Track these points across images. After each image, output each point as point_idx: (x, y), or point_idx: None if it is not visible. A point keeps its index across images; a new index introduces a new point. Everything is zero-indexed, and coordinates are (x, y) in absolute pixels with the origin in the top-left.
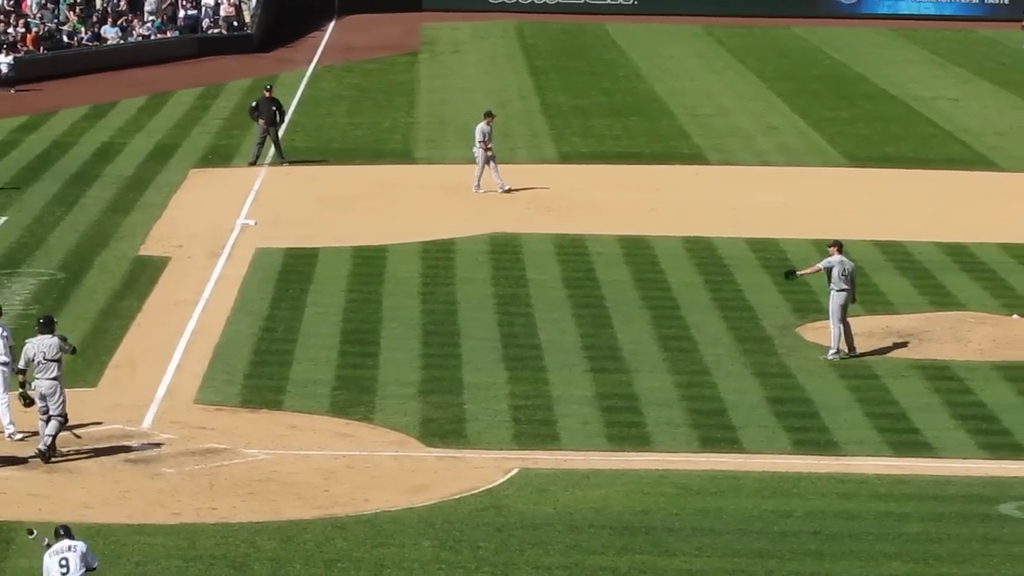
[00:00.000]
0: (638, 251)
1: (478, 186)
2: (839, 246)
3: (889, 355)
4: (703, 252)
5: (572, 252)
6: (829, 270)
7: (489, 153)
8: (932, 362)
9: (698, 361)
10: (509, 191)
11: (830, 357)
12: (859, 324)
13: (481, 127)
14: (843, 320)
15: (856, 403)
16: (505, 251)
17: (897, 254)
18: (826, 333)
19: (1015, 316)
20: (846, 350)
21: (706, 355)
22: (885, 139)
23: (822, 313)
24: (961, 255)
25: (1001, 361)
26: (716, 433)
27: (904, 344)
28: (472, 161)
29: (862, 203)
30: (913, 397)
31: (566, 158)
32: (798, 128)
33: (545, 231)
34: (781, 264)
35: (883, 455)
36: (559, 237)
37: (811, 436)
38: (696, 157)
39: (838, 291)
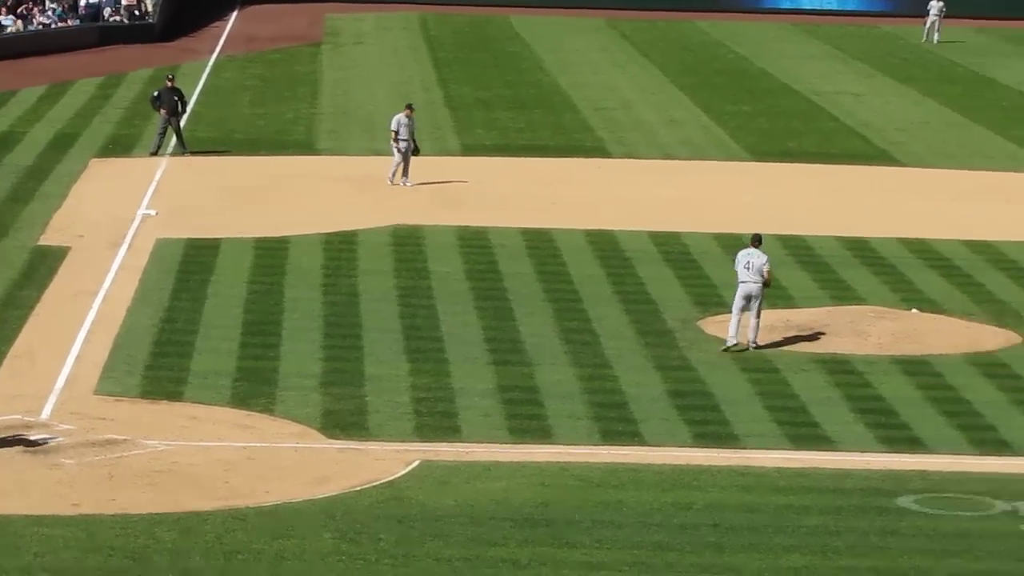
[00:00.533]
0: (540, 244)
1: (394, 178)
2: (756, 240)
3: (790, 349)
4: (605, 245)
5: (475, 245)
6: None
7: (401, 146)
8: (832, 356)
9: (600, 354)
10: (412, 186)
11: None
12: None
13: (398, 118)
14: (743, 311)
15: (756, 396)
16: (408, 243)
17: (798, 248)
18: (725, 327)
19: (914, 310)
20: (743, 343)
21: (608, 348)
22: (787, 133)
23: (723, 307)
24: (861, 250)
25: (900, 355)
26: (617, 426)
27: (805, 338)
28: (386, 153)
29: (763, 197)
30: (813, 391)
31: (469, 151)
32: (700, 122)
33: (448, 223)
34: (682, 258)
35: (783, 448)
36: (462, 229)
37: (712, 429)
38: (599, 150)
39: (740, 283)
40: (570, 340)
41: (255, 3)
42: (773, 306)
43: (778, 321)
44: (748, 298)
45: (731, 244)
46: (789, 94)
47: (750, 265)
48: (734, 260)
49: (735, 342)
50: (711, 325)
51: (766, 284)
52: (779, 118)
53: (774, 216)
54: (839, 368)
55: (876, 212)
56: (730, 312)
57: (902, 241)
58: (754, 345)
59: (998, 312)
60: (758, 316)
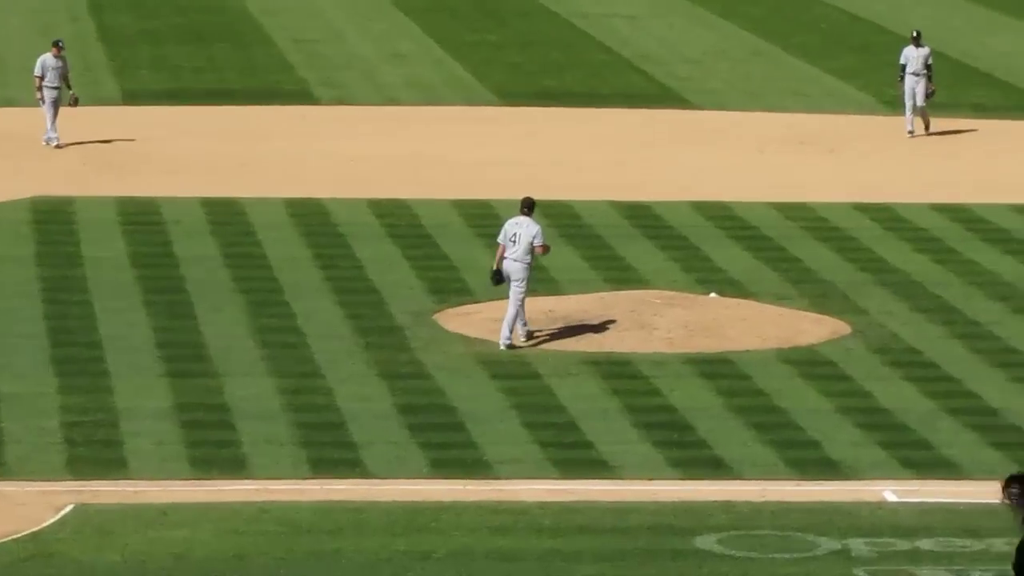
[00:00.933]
0: (228, 218)
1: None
2: (526, 206)
3: (554, 347)
4: (313, 218)
5: (142, 221)
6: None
7: (49, 95)
8: (609, 355)
9: (308, 360)
10: (60, 147)
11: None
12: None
13: (43, 60)
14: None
15: (512, 410)
16: (53, 221)
17: (563, 217)
18: (470, 321)
19: (712, 295)
20: (516, 341)
21: (318, 352)
22: (544, 69)
23: (468, 295)
24: (643, 217)
25: (696, 353)
26: (332, 453)
27: (572, 333)
28: (19, 103)
29: (516, 152)
30: (585, 401)
31: (132, 98)
32: (433, 56)
33: (105, 193)
34: (413, 232)
35: (547, 477)
36: (124, 201)
37: (455, 454)
38: (302, 95)
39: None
40: (268, 343)
41: None
42: (531, 293)
43: (537, 313)
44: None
45: (476, 214)
46: (546, 18)
47: (517, 238)
48: (499, 232)
49: (508, 342)
50: (452, 319)
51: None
52: (534, 50)
53: (530, 176)
54: (617, 371)
55: (661, 169)
56: (476, 302)
57: (696, 206)
58: (507, 343)
59: (819, 295)
60: (518, 304)
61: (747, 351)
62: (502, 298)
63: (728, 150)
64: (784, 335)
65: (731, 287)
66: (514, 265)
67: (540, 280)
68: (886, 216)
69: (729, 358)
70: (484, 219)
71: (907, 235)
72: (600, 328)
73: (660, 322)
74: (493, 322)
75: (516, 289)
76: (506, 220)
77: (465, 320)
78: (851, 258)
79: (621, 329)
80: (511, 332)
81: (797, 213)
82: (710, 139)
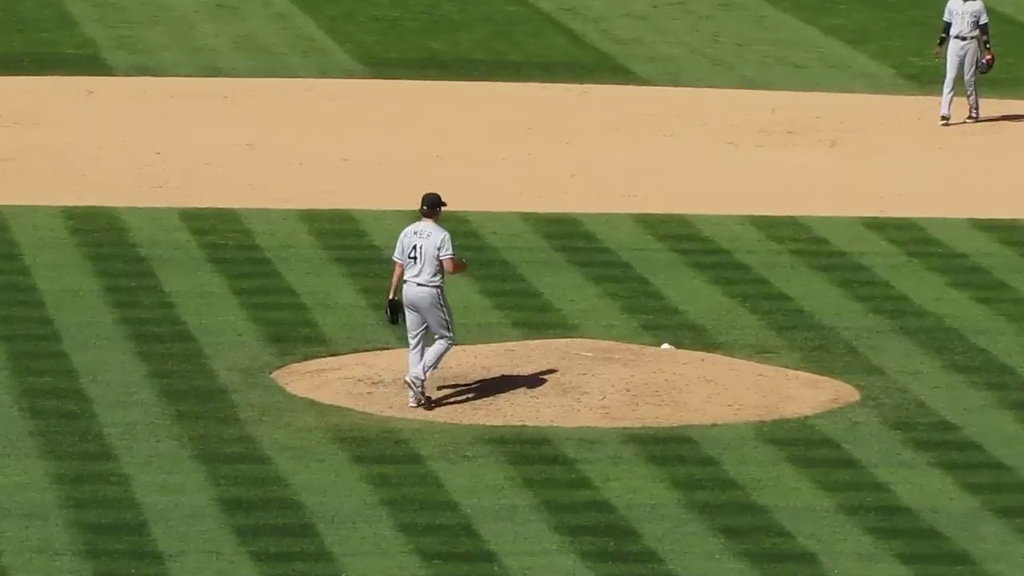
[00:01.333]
0: None
1: None
2: (430, 206)
3: (442, 419)
4: (102, 235)
5: None
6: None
7: None
8: (519, 431)
9: (95, 435)
10: None
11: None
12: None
13: None
14: (420, 337)
15: (381, 508)
16: None
17: (456, 235)
18: (324, 381)
19: (666, 346)
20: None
21: (109, 424)
22: (429, 27)
23: (319, 343)
24: (569, 236)
25: (642, 428)
26: (128, 566)
27: (469, 399)
28: None
29: (388, 142)
30: (485, 495)
31: None
32: (274, 8)
33: None
34: (244, 256)
35: None
36: None
37: (300, 568)
38: (88, 62)
39: (404, 285)
40: (39, 411)
41: None
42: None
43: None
44: (417, 313)
45: (333, 230)
46: None
47: (418, 252)
48: (394, 248)
49: (416, 400)
50: (298, 378)
51: (438, 287)
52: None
53: (409, 175)
54: (532, 453)
55: (595, 168)
56: (332, 354)
57: (642, 220)
58: (418, 386)
59: (815, 347)
60: (442, 346)
61: (714, 426)
62: (371, 348)
63: (688, 142)
64: (766, 403)
65: (692, 335)
66: (419, 292)
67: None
68: (909, 236)
69: (689, 435)
70: (343, 237)
71: (938, 263)
72: (508, 392)
73: (592, 384)
74: (355, 383)
75: (434, 325)
76: (401, 231)
77: (316, 380)
78: (860, 295)
79: (537, 394)
80: (424, 374)
81: (785, 232)
82: (663, 127)
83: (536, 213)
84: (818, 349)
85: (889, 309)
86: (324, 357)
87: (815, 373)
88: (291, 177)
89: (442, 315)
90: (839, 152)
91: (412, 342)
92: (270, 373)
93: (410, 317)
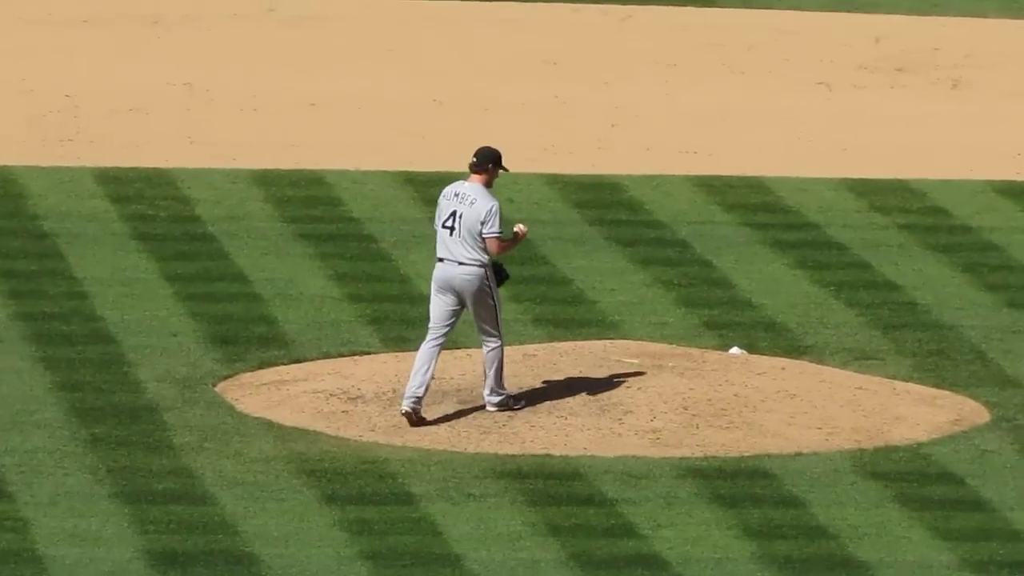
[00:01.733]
0: None
1: None
2: (484, 161)
3: (441, 445)
4: None
5: None
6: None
7: None
8: (543, 461)
9: None
10: None
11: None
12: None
13: None
14: (446, 331)
15: (362, 563)
16: None
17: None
18: (284, 395)
19: (735, 350)
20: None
21: (3, 454)
22: None
23: (278, 345)
24: (605, 204)
25: (704, 457)
26: None
27: (476, 419)
28: None
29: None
30: (499, 546)
31: None
32: None
33: None
34: (180, 230)
35: None
36: None
37: None
38: None
39: (437, 266)
40: None
41: None
42: (398, 346)
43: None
44: (454, 300)
45: (303, 196)
46: None
47: (456, 221)
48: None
49: (410, 407)
50: (251, 392)
51: (500, 279)
52: None
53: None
54: (559, 490)
55: (640, 113)
56: (296, 361)
57: (703, 183)
58: (507, 402)
59: (933, 351)
60: (489, 352)
61: (799, 455)
62: (346, 352)
63: (765, 82)
64: (867, 425)
65: (770, 336)
66: (460, 272)
67: (414, 323)
68: None
69: (765, 468)
70: (311, 205)
71: None
72: (527, 410)
73: (638, 400)
74: (327, 398)
75: (481, 319)
76: (443, 190)
77: (275, 395)
78: (992, 283)
79: (566, 412)
80: (498, 392)
81: (893, 200)
82: (732, 61)
83: (565, 175)
84: (936, 354)
85: None
86: (285, 364)
87: (932, 386)
88: (242, 127)
89: (491, 302)
90: (964, 96)
91: (429, 343)
92: (214, 386)
93: (437, 305)
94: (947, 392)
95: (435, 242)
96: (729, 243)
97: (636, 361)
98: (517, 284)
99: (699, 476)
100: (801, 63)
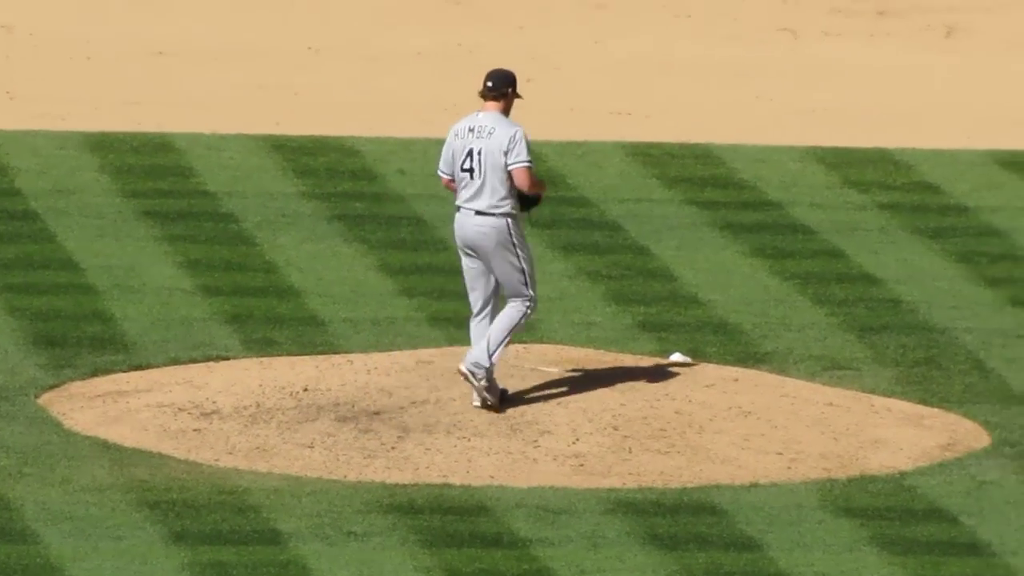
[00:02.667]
0: None
1: None
2: (500, 83)
3: (301, 469)
4: None
5: None
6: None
7: None
8: (439, 492)
9: None
10: None
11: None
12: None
13: None
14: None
15: None
16: None
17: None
18: (125, 408)
19: (677, 355)
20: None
21: None
22: None
23: (116, 348)
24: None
25: (638, 488)
26: None
27: (357, 437)
28: None
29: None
30: None
31: None
32: None
33: None
34: None
35: None
36: None
37: None
38: None
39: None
40: None
41: None
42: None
43: (285, 394)
44: (476, 258)
45: (156, 166)
46: None
47: (476, 160)
48: (440, 156)
49: (483, 399)
50: (81, 404)
51: (526, 205)
52: None
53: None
54: (458, 527)
55: (574, 71)
56: (136, 367)
57: (637, 150)
58: (480, 378)
59: (920, 359)
60: (512, 312)
61: (754, 486)
62: (199, 357)
63: (716, 28)
64: (839, 450)
65: (720, 339)
66: (477, 225)
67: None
68: None
69: (714, 502)
70: (156, 176)
71: None
72: (420, 429)
73: (558, 418)
74: (175, 413)
75: (505, 277)
76: (450, 130)
77: (111, 408)
78: (992, 276)
79: (468, 432)
80: (489, 356)
81: (873, 173)
82: (676, 2)
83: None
84: (924, 364)
85: None
86: (124, 372)
87: (918, 402)
88: (73, 81)
89: (516, 261)
90: (959, 46)
91: (475, 307)
92: (37, 397)
93: (468, 266)
94: (937, 410)
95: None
96: (670, 225)
97: (555, 370)
98: (409, 275)
99: (632, 511)
100: (760, 5)
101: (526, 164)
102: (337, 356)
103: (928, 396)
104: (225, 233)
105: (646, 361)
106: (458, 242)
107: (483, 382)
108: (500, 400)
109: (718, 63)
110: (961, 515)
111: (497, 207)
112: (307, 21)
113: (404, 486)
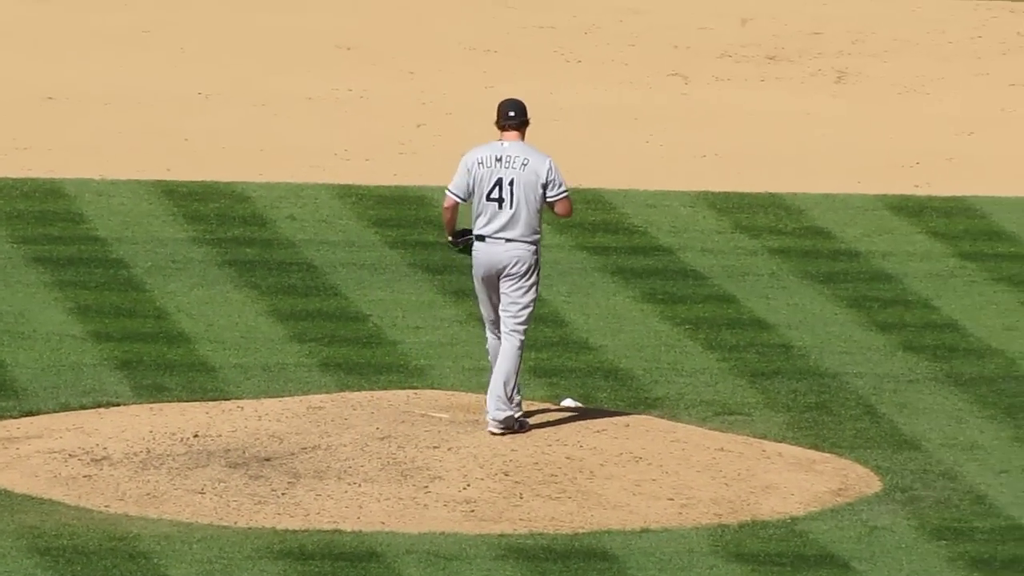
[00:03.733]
0: None
1: None
2: (517, 115)
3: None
4: None
5: None
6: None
7: None
8: (331, 540)
9: None
10: None
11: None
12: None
13: None
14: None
15: None
16: None
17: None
18: (24, 453)
19: (568, 401)
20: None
21: None
22: None
23: (6, 395)
24: (405, 223)
25: (521, 535)
26: None
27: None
28: None
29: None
30: None
31: None
32: None
33: None
34: None
35: None
36: None
37: None
38: None
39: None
40: None
41: None
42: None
43: (174, 439)
44: (496, 286)
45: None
46: None
47: (510, 192)
48: (456, 177)
49: (503, 418)
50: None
51: (460, 245)
52: None
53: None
54: None
55: (468, 116)
56: (30, 413)
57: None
58: (500, 422)
59: (812, 404)
60: (517, 347)
61: (645, 531)
62: (90, 403)
63: (606, 73)
64: (730, 496)
65: (611, 384)
66: (509, 252)
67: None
68: (965, 227)
69: (605, 547)
70: (46, 221)
71: (1011, 270)
72: (311, 475)
73: (448, 463)
74: (66, 459)
75: (514, 307)
76: (466, 155)
77: (0, 453)
78: (884, 321)
79: (359, 478)
80: (510, 400)
81: (764, 218)
82: (565, 47)
83: (360, 186)
84: (815, 408)
85: (930, 344)
86: (14, 418)
87: (810, 447)
88: None
89: (534, 291)
90: (850, 90)
91: (493, 337)
92: None
93: (484, 301)
94: (828, 455)
95: (194, 269)
96: (561, 271)
97: (446, 416)
98: (300, 321)
99: (523, 557)
100: (651, 50)
101: (566, 195)
102: (228, 402)
103: (819, 441)
104: (115, 279)
105: (537, 406)
106: (482, 271)
107: (517, 427)
108: (520, 425)
109: (609, 108)
110: (853, 560)
111: (530, 236)
112: (197, 66)
113: (295, 532)
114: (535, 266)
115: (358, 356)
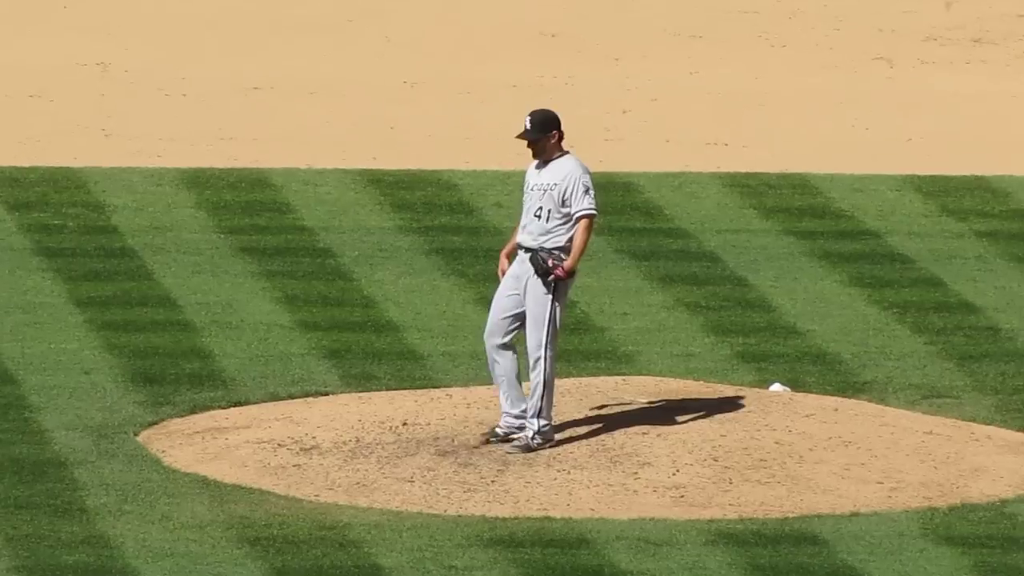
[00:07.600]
0: None
1: None
2: (545, 127)
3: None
4: None
5: None
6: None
7: None
8: (535, 525)
9: None
10: None
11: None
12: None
13: None
14: (512, 332)
15: None
16: None
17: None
18: (224, 445)
19: (777, 386)
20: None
21: None
22: None
23: (216, 384)
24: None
25: (739, 520)
26: None
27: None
28: None
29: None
30: None
31: None
32: None
33: None
34: (82, 244)
35: None
36: None
37: None
38: None
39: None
40: None
41: None
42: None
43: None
44: (520, 296)
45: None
46: None
47: (538, 207)
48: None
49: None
50: (180, 441)
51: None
52: None
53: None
54: (558, 563)
55: (668, 102)
56: (236, 404)
57: (733, 182)
58: (532, 439)
59: (1017, 382)
60: (544, 357)
61: (855, 515)
62: (298, 392)
63: (810, 57)
64: (939, 479)
65: (820, 370)
66: (528, 267)
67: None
68: None
69: (815, 531)
70: (252, 212)
71: None
72: (520, 463)
73: (657, 449)
74: (275, 449)
75: (536, 318)
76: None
77: (211, 445)
78: None
79: (568, 465)
80: (541, 406)
81: (970, 201)
82: (768, 31)
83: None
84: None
85: None
86: (223, 408)
87: (1018, 430)
88: (168, 117)
89: (554, 311)
90: None
91: (497, 342)
92: (136, 434)
93: (502, 308)
94: None
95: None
96: (768, 256)
97: (643, 401)
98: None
99: (733, 542)
100: (855, 34)
101: (593, 211)
102: (436, 390)
103: None
104: (323, 268)
105: (745, 392)
106: (511, 272)
107: (537, 441)
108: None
109: (814, 92)
110: None
111: (552, 238)
112: (402, 55)
113: (505, 519)
114: (559, 281)
115: (565, 343)
